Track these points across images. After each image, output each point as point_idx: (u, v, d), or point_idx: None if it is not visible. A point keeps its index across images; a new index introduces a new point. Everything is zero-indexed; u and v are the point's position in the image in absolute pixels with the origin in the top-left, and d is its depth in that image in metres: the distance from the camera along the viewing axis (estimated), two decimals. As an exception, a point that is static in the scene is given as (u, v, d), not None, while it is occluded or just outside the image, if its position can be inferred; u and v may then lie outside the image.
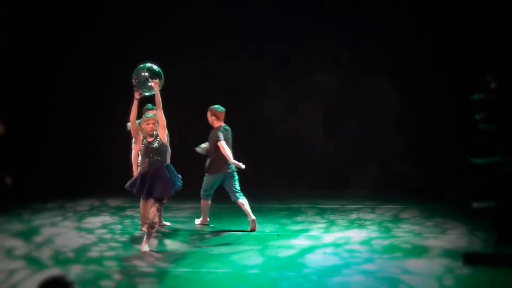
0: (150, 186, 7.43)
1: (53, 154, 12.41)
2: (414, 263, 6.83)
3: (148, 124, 7.50)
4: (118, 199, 11.14)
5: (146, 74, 7.44)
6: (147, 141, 7.53)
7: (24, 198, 11.15)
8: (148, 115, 7.60)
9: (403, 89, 11.36)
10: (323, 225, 8.91)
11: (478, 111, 9.13)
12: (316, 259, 7.12)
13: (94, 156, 12.40)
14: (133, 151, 8.64)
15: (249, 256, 7.29)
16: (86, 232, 8.80)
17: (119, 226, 9.16)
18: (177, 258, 7.32)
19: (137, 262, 7.21)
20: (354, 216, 9.45)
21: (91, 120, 12.49)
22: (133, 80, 7.48)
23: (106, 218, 9.74)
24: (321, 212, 9.78)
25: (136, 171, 8.49)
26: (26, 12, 12.13)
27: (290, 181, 11.85)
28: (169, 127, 7.93)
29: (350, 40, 11.69)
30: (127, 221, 9.48)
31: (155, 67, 7.56)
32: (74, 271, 6.77)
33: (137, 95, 7.51)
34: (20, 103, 12.08)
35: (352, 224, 8.93)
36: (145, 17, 12.19)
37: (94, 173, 12.22)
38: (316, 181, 11.73)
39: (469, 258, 6.82)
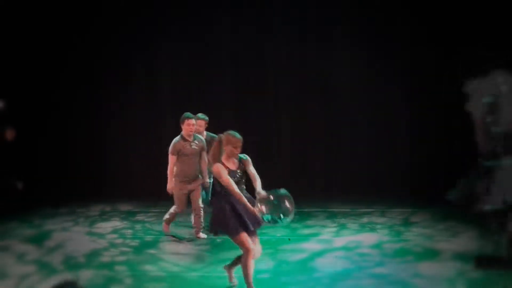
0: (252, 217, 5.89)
1: (63, 158, 12.43)
2: (425, 267, 6.80)
3: (236, 147, 5.89)
4: (128, 204, 11.17)
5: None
6: (230, 169, 5.87)
7: (35, 203, 11.19)
8: (236, 135, 5.91)
9: (413, 92, 11.32)
10: (334, 229, 8.89)
11: (489, 114, 9.11)
12: (327, 263, 7.11)
13: (105, 161, 12.42)
14: (169, 164, 8.23)
15: (260, 260, 7.27)
16: (97, 237, 8.83)
17: (129, 231, 9.19)
18: (188, 262, 7.33)
19: (148, 267, 7.22)
20: (365, 219, 9.42)
21: (102, 125, 12.49)
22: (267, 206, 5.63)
23: (116, 223, 9.76)
24: (332, 216, 9.76)
25: (171, 183, 8.27)
26: (28, 10, 12.08)
27: (302, 183, 11.81)
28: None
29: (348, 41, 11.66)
30: (137, 226, 9.50)
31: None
32: (85, 276, 6.79)
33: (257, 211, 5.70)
34: (29, 108, 12.08)
35: (363, 227, 8.91)
36: (144, 16, 12.20)
37: (104, 178, 12.25)
38: (328, 184, 11.71)
39: (480, 261, 6.79)
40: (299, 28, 11.76)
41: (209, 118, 8.98)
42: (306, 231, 8.81)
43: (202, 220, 8.46)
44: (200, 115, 8.75)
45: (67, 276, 6.83)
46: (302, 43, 11.80)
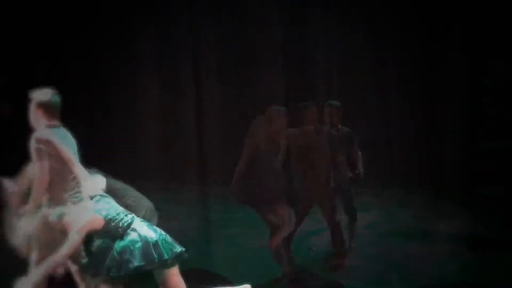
0: None
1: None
2: (417, 248, 6.83)
3: None
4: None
5: None
6: None
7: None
8: None
9: (410, 75, 11.28)
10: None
11: (486, 95, 9.08)
12: (321, 242, 7.13)
13: (104, 137, 12.40)
14: None
15: (255, 238, 7.30)
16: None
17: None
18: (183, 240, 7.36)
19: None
20: (358, 200, 9.43)
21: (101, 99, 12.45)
22: None
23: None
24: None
25: None
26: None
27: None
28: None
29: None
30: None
31: None
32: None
33: None
34: (28, 82, 12.03)
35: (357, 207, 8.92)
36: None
37: (101, 155, 12.24)
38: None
39: (473, 243, 6.83)
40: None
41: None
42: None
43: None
44: (331, 101, 6.91)
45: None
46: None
